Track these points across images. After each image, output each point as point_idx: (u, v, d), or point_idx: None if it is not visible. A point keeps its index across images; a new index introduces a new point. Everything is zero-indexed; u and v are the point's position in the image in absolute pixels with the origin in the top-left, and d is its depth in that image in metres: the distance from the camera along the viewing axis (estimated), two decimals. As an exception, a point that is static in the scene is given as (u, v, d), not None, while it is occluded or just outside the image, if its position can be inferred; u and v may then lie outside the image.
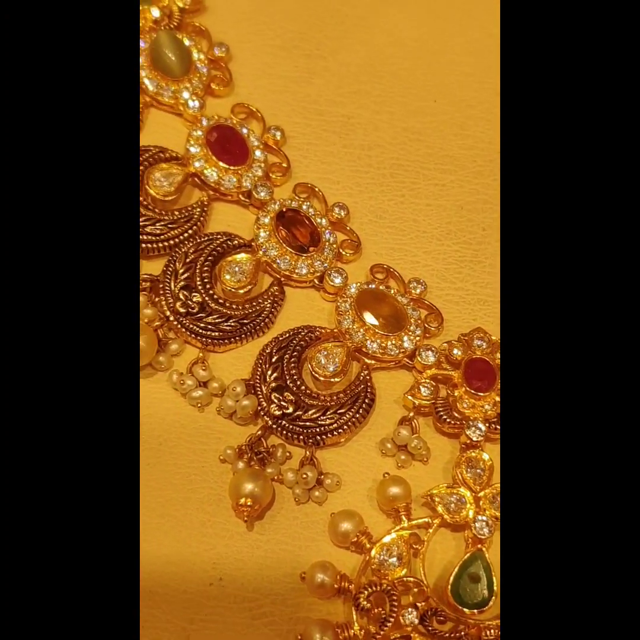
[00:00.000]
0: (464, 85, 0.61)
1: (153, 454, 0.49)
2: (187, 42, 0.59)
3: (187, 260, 0.53)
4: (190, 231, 0.54)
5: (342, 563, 0.46)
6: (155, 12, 0.60)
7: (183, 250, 0.53)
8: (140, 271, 0.53)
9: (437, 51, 0.62)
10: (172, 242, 0.53)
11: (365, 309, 0.52)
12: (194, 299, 0.52)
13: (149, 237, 0.53)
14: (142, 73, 0.57)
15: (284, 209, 0.54)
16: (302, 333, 0.52)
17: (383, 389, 0.52)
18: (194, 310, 0.51)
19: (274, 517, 0.48)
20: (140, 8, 0.59)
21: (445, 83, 0.61)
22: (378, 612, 0.45)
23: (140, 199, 0.54)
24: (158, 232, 0.53)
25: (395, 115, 0.59)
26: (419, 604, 0.45)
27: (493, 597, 0.45)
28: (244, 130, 0.57)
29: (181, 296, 0.51)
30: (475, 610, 0.45)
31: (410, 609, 0.45)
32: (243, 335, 0.52)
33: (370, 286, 0.53)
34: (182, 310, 0.51)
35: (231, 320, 0.52)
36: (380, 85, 0.60)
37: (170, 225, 0.53)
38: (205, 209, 0.55)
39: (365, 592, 0.45)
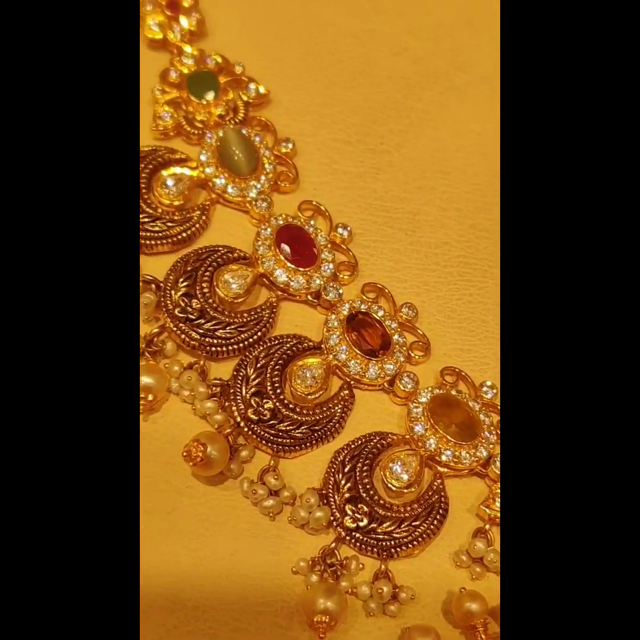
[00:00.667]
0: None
1: (225, 564, 0.49)
2: (254, 138, 0.60)
3: (258, 365, 0.53)
4: (259, 334, 0.54)
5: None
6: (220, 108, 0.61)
7: (254, 354, 0.53)
8: (213, 374, 0.53)
9: (501, 144, 0.63)
10: (246, 343, 0.54)
11: (436, 415, 0.52)
12: (266, 406, 0.52)
13: (220, 341, 0.53)
14: (209, 170, 0.58)
15: (354, 312, 0.55)
16: (374, 440, 0.52)
17: (455, 497, 0.51)
18: (266, 418, 0.52)
19: (347, 631, 0.48)
20: (205, 102, 0.60)
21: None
22: None
23: (211, 301, 0.54)
24: (228, 336, 0.54)
25: (462, 212, 0.60)
26: None
27: None
28: (311, 228, 0.57)
29: (253, 402, 0.52)
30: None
31: None
32: (314, 442, 0.52)
33: (441, 391, 0.53)
34: (254, 417, 0.51)
35: (303, 427, 0.52)
36: (446, 180, 0.61)
37: (240, 329, 0.54)
38: (274, 310, 0.55)
39: None
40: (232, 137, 0.59)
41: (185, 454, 0.49)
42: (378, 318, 0.55)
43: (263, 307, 0.55)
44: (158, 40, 0.64)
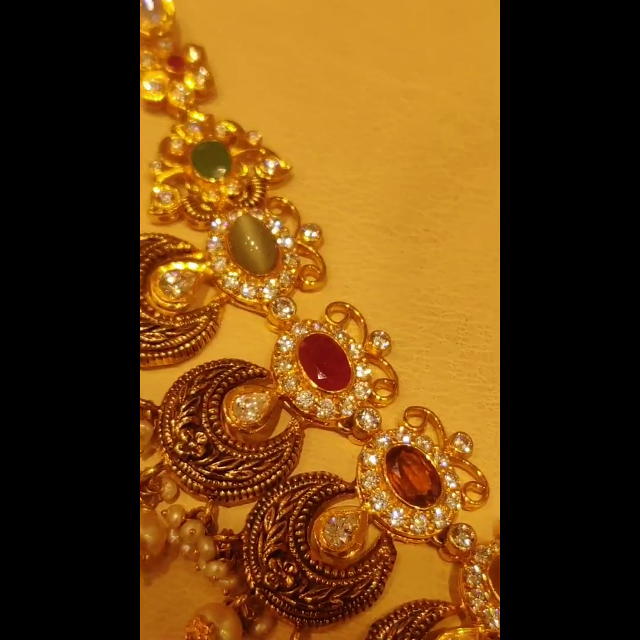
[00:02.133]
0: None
1: None
2: (272, 225, 0.51)
3: (278, 517, 0.44)
4: (279, 472, 0.45)
5: None
6: (232, 188, 0.52)
7: (272, 501, 0.44)
8: (222, 523, 0.44)
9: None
10: (262, 484, 0.45)
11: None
12: (288, 569, 0.43)
13: (230, 483, 0.44)
14: (218, 264, 0.49)
15: (395, 446, 0.45)
16: (422, 613, 0.43)
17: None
18: (288, 585, 0.42)
19: None
20: (213, 180, 0.51)
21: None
22: None
23: (219, 431, 0.45)
24: (241, 477, 0.44)
25: (523, 316, 0.51)
26: None
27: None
28: (342, 338, 0.48)
29: (271, 565, 0.42)
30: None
31: None
32: (348, 612, 0.43)
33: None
34: (272, 584, 0.42)
35: (334, 595, 0.43)
36: (504, 277, 0.52)
37: (255, 469, 0.45)
38: (298, 442, 0.46)
39: None
40: (246, 224, 0.50)
41: (188, 637, 0.40)
42: (425, 453, 0.46)
43: (284, 437, 0.46)
44: (157, 103, 0.55)
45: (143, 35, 0.57)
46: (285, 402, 0.47)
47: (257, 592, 0.42)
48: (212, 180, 0.52)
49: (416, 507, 0.45)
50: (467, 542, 0.44)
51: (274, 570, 0.43)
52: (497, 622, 0.42)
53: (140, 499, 0.45)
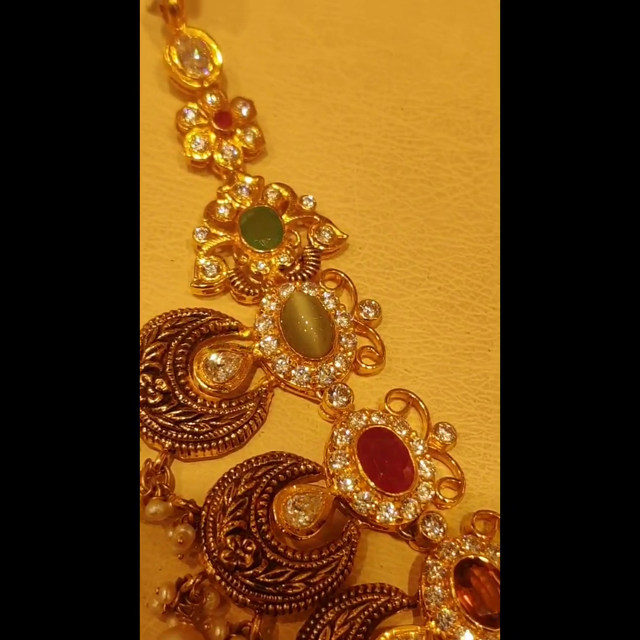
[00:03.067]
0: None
1: None
2: (326, 300, 0.47)
3: (333, 638, 0.40)
4: (334, 584, 0.41)
5: None
6: (284, 258, 0.48)
7: (327, 618, 0.40)
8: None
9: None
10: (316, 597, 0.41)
11: None
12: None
13: (280, 597, 0.40)
14: (267, 344, 0.45)
15: (465, 559, 0.41)
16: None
17: None
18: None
19: None
20: (264, 251, 0.48)
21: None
22: None
23: (268, 536, 0.41)
24: (295, 590, 0.40)
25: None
26: None
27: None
28: (403, 431, 0.44)
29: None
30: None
31: None
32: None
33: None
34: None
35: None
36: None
37: (308, 581, 0.41)
38: (354, 548, 0.42)
39: None
40: (300, 302, 0.47)
41: None
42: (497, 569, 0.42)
43: (339, 543, 0.42)
44: (202, 163, 0.52)
45: (189, 87, 0.53)
46: (340, 503, 0.43)
47: None
48: (262, 251, 0.49)
49: (491, 629, 0.41)
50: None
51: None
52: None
53: (180, 609, 0.41)
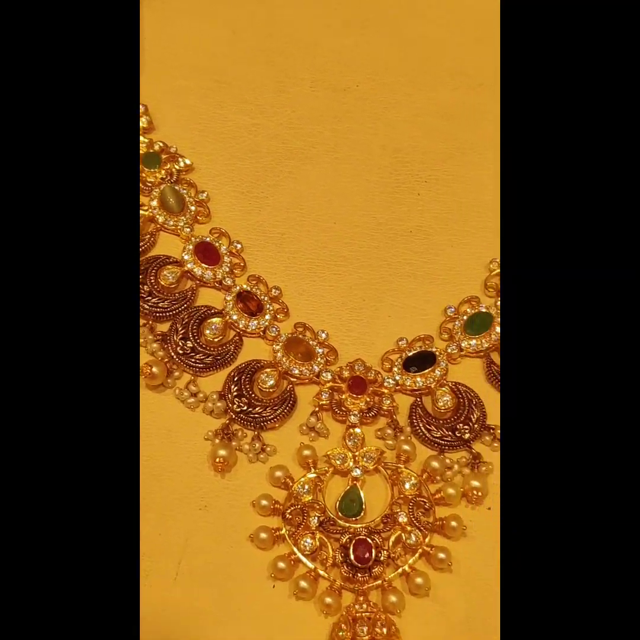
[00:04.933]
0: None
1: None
2: (182, 191, 0.85)
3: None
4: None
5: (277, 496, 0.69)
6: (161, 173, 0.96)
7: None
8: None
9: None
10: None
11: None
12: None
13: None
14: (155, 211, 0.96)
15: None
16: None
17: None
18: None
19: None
20: (153, 171, 0.98)
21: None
22: (296, 520, 0.69)
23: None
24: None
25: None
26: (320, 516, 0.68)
27: (362, 512, 0.69)
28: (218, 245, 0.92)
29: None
30: (352, 518, 0.67)
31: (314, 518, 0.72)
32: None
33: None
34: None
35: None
36: None
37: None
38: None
39: (289, 509, 0.69)
40: (167, 190, 0.91)
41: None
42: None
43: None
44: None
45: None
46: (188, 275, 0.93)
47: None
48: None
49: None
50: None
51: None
52: None
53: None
